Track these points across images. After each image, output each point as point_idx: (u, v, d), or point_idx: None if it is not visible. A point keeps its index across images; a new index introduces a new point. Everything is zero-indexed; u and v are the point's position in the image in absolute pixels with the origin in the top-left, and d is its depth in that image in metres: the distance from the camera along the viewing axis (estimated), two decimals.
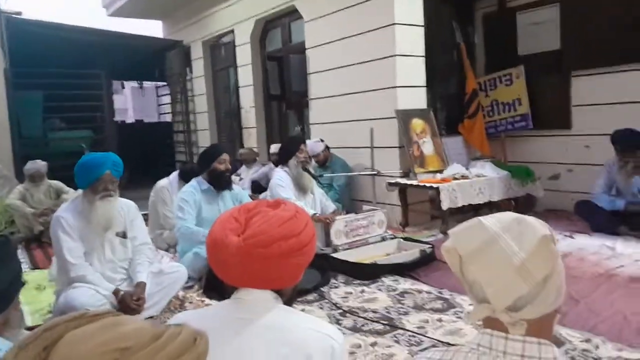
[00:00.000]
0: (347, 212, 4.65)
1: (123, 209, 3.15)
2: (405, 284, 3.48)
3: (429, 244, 4.08)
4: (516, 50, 5.86)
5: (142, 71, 12.22)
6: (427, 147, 5.20)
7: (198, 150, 8.81)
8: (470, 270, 0.89)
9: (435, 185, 4.66)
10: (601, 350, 2.37)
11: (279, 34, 7.18)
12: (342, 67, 5.69)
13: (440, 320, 2.82)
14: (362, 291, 3.38)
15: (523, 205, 5.32)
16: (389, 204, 5.10)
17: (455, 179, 4.85)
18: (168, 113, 10.74)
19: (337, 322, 2.87)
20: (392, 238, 4.33)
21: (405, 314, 2.94)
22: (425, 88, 5.34)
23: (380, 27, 5.15)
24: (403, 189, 5.05)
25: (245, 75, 7.62)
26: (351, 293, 3.35)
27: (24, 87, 7.51)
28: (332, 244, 4.01)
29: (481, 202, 4.93)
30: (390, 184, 5.05)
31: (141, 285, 3.01)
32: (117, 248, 3.09)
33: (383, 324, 2.80)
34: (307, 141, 5.13)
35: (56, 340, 0.58)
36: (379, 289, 3.39)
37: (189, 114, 9.18)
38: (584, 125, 5.37)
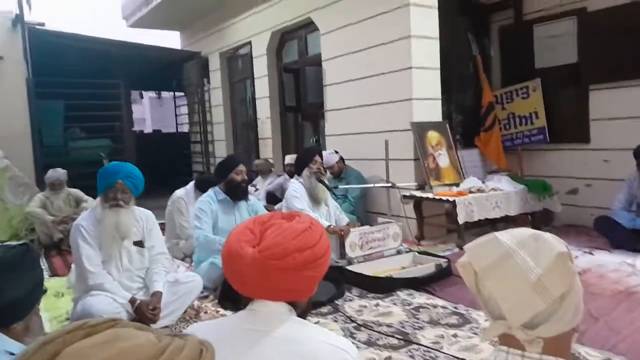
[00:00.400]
0: (362, 224, 4.64)
1: (141, 218, 3.18)
2: (420, 298, 3.45)
3: (445, 258, 4.05)
4: (533, 63, 5.83)
5: (160, 81, 12.41)
6: (443, 159, 5.18)
7: (215, 161, 8.88)
8: (486, 285, 0.88)
9: (451, 199, 4.63)
10: None
11: (295, 46, 7.25)
12: (358, 79, 5.72)
13: (455, 335, 2.79)
14: (377, 305, 3.35)
15: (540, 220, 5.25)
16: (404, 217, 5.07)
17: (472, 192, 4.81)
18: (185, 123, 10.86)
19: (351, 335, 2.85)
20: (407, 251, 4.31)
21: (421, 328, 2.91)
22: (440, 100, 5.34)
23: (396, 40, 5.17)
24: (418, 202, 5.02)
25: (262, 87, 7.69)
26: (366, 306, 3.34)
27: (45, 97, 7.66)
28: (347, 256, 4.00)
29: (497, 216, 4.88)
30: (405, 196, 5.03)
31: (157, 295, 3.03)
32: (134, 257, 3.12)
33: (398, 338, 2.77)
34: (322, 152, 5.14)
35: (54, 355, 0.56)
36: (394, 303, 3.37)
37: (206, 125, 9.27)
38: (603, 139, 5.30)
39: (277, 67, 7.54)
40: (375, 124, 5.52)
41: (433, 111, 5.26)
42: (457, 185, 5.03)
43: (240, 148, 8.79)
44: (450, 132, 5.36)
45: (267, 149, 7.73)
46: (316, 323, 2.96)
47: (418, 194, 4.98)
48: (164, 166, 10.86)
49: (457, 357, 2.50)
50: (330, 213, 4.42)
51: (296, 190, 4.27)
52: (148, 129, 19.81)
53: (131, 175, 3.02)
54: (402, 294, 3.52)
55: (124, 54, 9.16)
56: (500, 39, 6.23)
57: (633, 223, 4.40)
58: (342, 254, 4.02)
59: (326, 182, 4.45)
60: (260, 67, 7.66)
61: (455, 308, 3.22)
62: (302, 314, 1.23)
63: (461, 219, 4.57)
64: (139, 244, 3.14)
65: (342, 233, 4.03)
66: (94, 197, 4.49)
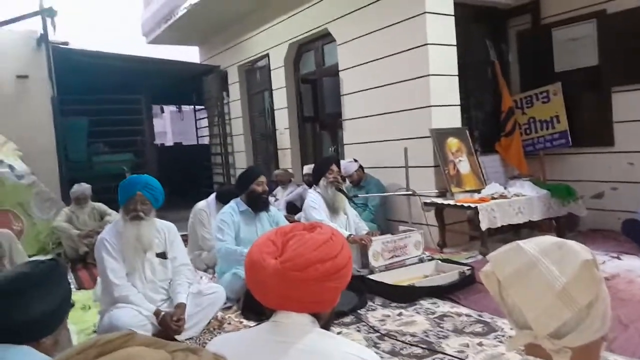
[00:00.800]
0: (383, 233, 4.61)
1: (162, 230, 3.23)
2: (444, 306, 3.42)
3: (468, 265, 4.00)
4: (552, 67, 5.76)
5: (180, 95, 12.60)
6: (464, 166, 5.14)
7: (235, 172, 8.96)
8: (510, 294, 0.88)
9: (473, 205, 4.58)
10: None
11: (312, 57, 7.30)
12: (375, 87, 5.72)
13: (481, 344, 2.75)
14: (400, 314, 3.33)
15: (565, 225, 5.16)
16: (425, 225, 5.04)
17: (494, 198, 4.76)
18: (206, 136, 10.98)
19: (375, 345, 2.83)
20: (429, 259, 4.27)
21: (445, 337, 2.88)
22: (459, 107, 5.31)
23: (413, 48, 5.17)
24: (440, 209, 4.98)
25: (280, 98, 7.76)
26: (389, 316, 3.31)
27: (70, 114, 7.85)
28: (370, 265, 3.98)
29: (521, 222, 4.81)
30: (426, 203, 4.99)
31: (181, 307, 3.06)
32: (157, 268, 3.16)
33: (422, 347, 2.75)
34: (341, 161, 5.14)
35: None
36: (417, 312, 3.34)
37: (226, 137, 9.37)
38: (627, 142, 5.20)
39: (294, 78, 7.60)
40: (394, 131, 5.51)
41: (452, 118, 5.23)
42: (479, 191, 4.98)
43: (259, 159, 8.86)
44: (470, 138, 5.32)
45: (286, 159, 7.77)
46: (339, 333, 2.94)
47: (439, 201, 4.94)
48: (186, 178, 10.99)
49: None
50: (350, 222, 4.41)
51: (314, 201, 4.27)
52: (169, 142, 20.12)
53: (150, 187, 3.07)
54: (426, 303, 3.49)
55: (144, 69, 9.34)
56: (518, 43, 6.18)
57: None
58: (364, 263, 4.01)
59: (345, 190, 4.44)
60: (278, 79, 7.72)
61: (480, 316, 3.18)
62: (325, 325, 1.23)
63: (484, 226, 4.51)
64: (162, 255, 3.18)
65: (364, 242, 4.02)
66: (118, 210, 4.58)
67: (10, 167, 6.08)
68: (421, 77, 5.12)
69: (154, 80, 9.97)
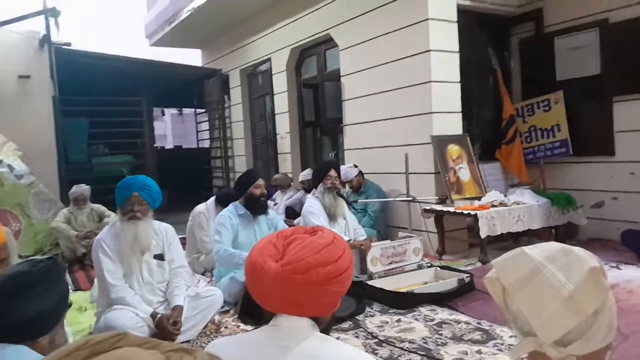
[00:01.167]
0: (382, 239, 4.60)
1: (160, 231, 3.22)
2: (442, 313, 3.40)
3: (468, 272, 3.98)
4: (554, 75, 5.76)
5: (181, 98, 12.62)
6: (464, 173, 5.13)
7: (235, 176, 8.95)
8: (515, 301, 0.86)
9: (473, 213, 4.57)
10: None
11: (314, 62, 7.31)
12: (377, 93, 5.72)
13: (479, 352, 2.73)
14: (399, 320, 3.31)
15: (564, 233, 5.14)
16: (425, 231, 5.02)
17: (494, 206, 4.75)
18: (206, 139, 10.99)
19: (373, 351, 2.81)
20: (429, 266, 4.25)
21: (444, 344, 2.86)
22: (461, 114, 5.31)
23: (415, 54, 5.18)
24: (439, 216, 4.97)
25: (281, 103, 7.76)
26: (387, 322, 3.29)
27: (71, 115, 7.84)
28: (368, 271, 3.96)
29: (520, 230, 4.80)
30: (426, 210, 4.98)
31: (178, 309, 3.04)
32: (154, 270, 3.15)
33: (421, 354, 2.73)
34: (341, 167, 5.13)
35: None
36: (416, 319, 3.32)
37: (227, 140, 9.37)
38: (628, 151, 5.19)
39: (296, 83, 7.60)
40: (394, 137, 5.50)
41: (453, 124, 5.23)
42: (479, 199, 4.97)
43: (259, 163, 8.85)
44: (470, 145, 5.32)
45: (287, 164, 7.76)
46: (337, 339, 2.92)
47: (439, 207, 4.93)
48: (185, 181, 10.99)
49: None
50: (349, 227, 4.39)
51: (312, 206, 4.26)
52: (169, 145, 20.12)
53: (146, 187, 3.05)
54: (424, 310, 3.47)
55: (146, 72, 9.35)
56: (521, 51, 6.19)
57: None
58: (363, 269, 3.99)
59: (344, 195, 4.43)
60: (280, 83, 7.73)
61: (479, 324, 3.16)
62: (325, 330, 1.22)
63: (483, 233, 4.50)
64: (159, 257, 3.17)
65: (363, 248, 4.00)
66: (116, 212, 4.57)
67: (10, 167, 6.06)
68: (423, 83, 5.12)
69: (155, 82, 9.99)
